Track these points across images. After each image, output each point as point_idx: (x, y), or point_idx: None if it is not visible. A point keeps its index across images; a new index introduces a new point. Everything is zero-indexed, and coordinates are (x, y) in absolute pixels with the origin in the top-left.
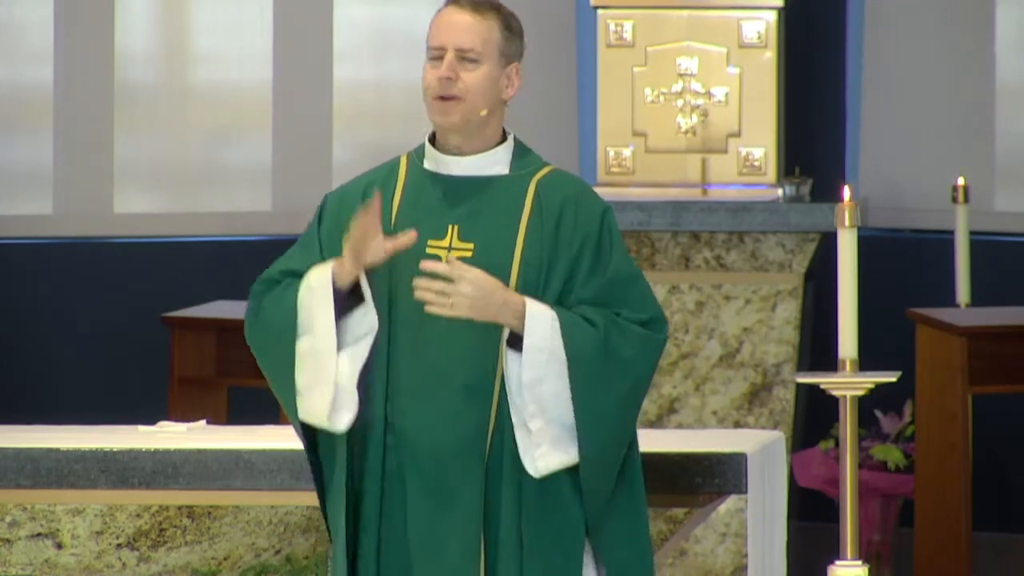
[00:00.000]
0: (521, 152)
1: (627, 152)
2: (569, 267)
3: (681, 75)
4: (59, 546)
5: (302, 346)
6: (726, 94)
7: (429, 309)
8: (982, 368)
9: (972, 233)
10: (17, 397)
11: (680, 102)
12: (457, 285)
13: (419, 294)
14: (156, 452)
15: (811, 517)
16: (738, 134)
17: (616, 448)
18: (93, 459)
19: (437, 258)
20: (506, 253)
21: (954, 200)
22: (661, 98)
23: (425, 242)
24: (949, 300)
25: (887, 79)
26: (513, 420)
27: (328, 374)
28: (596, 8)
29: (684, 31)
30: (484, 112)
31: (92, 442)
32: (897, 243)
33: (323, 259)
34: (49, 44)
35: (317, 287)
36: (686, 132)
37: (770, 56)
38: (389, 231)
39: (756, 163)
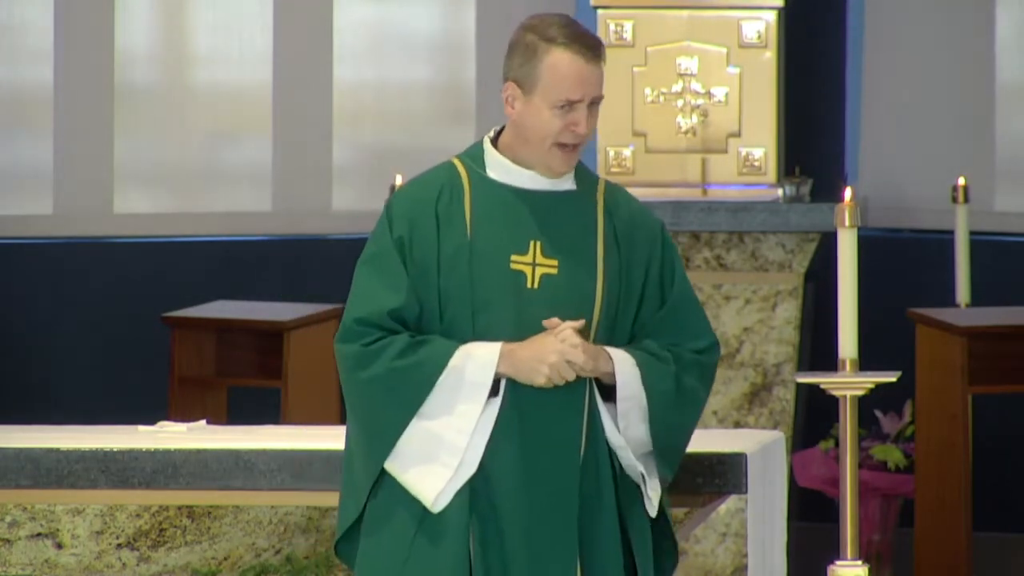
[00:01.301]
0: (580, 165)
1: (627, 152)
2: (641, 289)
3: (681, 75)
4: (59, 546)
5: (428, 424)
6: (726, 94)
7: (558, 381)
8: (982, 368)
9: (972, 233)
10: (17, 397)
11: (680, 102)
12: (560, 340)
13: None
14: (156, 452)
15: (811, 517)
16: (738, 134)
17: (676, 471)
18: (93, 459)
19: (522, 274)
20: (590, 271)
21: (954, 200)
22: (661, 98)
23: (508, 256)
24: (949, 300)
25: (887, 79)
26: (624, 468)
27: (451, 462)
28: (596, 8)
29: (684, 31)
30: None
31: (92, 442)
32: (897, 243)
33: (407, 272)
34: (49, 44)
35: (469, 385)
36: (686, 132)
37: (770, 56)
38: (465, 242)
39: (756, 163)
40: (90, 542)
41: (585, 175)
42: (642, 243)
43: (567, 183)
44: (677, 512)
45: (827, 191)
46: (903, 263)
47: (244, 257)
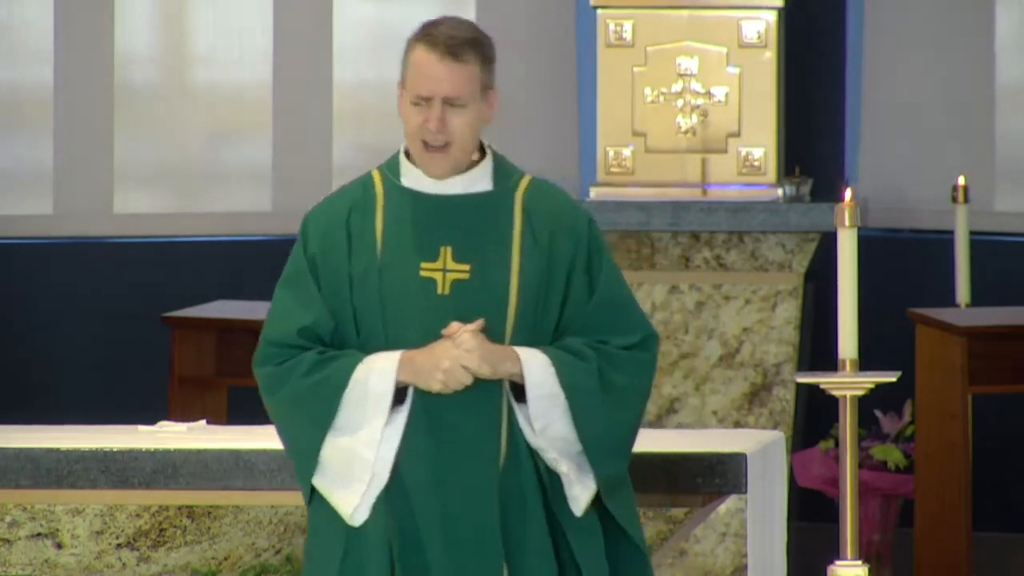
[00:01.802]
0: (500, 164)
1: (627, 152)
2: (564, 287)
3: (681, 75)
4: (59, 546)
5: (341, 440)
6: (726, 94)
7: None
8: (982, 368)
9: (972, 233)
10: (17, 397)
11: (680, 102)
12: (456, 345)
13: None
14: (156, 452)
15: (811, 517)
16: (738, 134)
17: (625, 467)
18: (93, 459)
19: (432, 281)
20: (503, 273)
21: (954, 200)
22: (661, 98)
23: (418, 265)
24: (949, 300)
25: (887, 79)
26: (552, 466)
27: (363, 476)
28: (596, 8)
29: (684, 31)
30: (475, 155)
31: (92, 442)
32: (897, 243)
33: (319, 290)
34: (49, 44)
35: (376, 402)
36: (686, 132)
37: (770, 56)
38: (375, 256)
39: (756, 163)
40: (90, 542)
41: (506, 175)
42: (565, 240)
43: (481, 184)
44: (677, 512)
45: (827, 191)
46: (903, 263)
47: (244, 257)
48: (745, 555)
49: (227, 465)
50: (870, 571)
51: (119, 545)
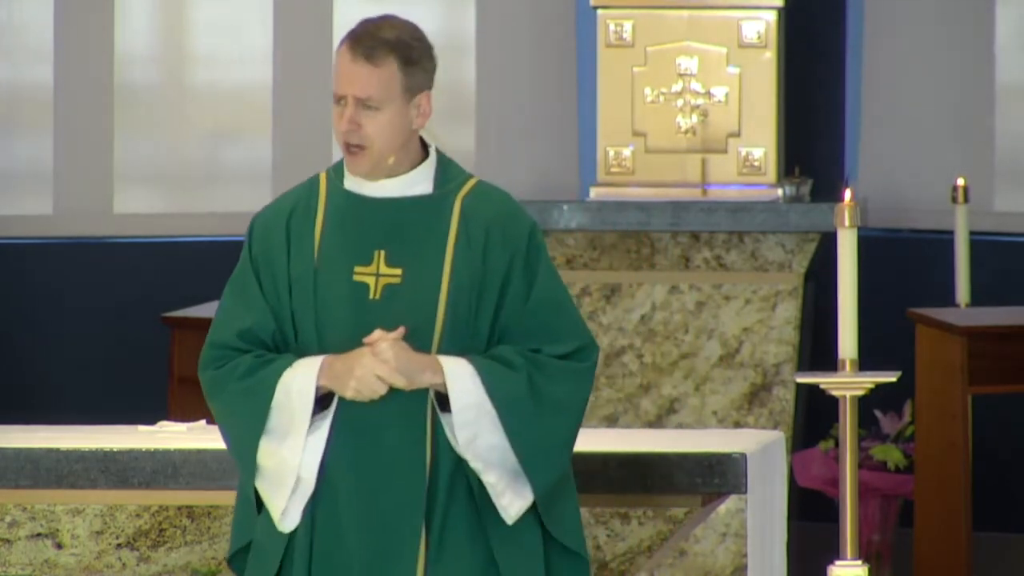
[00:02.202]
0: (445, 167)
1: (627, 152)
2: (499, 293)
3: (681, 75)
4: (59, 546)
5: (273, 445)
6: (726, 94)
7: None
8: (982, 368)
9: (972, 233)
10: (17, 396)
11: (680, 102)
12: (373, 353)
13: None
14: (156, 452)
15: (811, 517)
16: (738, 134)
17: (564, 478)
18: (93, 459)
19: (364, 285)
20: (435, 278)
21: (954, 200)
22: (661, 98)
23: (351, 269)
24: (949, 300)
25: (887, 79)
26: (476, 473)
27: (289, 482)
28: (596, 8)
29: (684, 31)
30: (392, 159)
31: (92, 442)
32: (897, 243)
33: (261, 291)
34: (49, 44)
35: (299, 407)
36: (686, 132)
37: (770, 56)
38: (311, 259)
39: (756, 163)
40: (90, 542)
41: (449, 178)
42: (503, 246)
43: (421, 187)
44: (677, 512)
45: (827, 191)
46: (903, 263)
47: None
48: (745, 555)
49: (227, 465)
50: (870, 571)
51: (119, 545)
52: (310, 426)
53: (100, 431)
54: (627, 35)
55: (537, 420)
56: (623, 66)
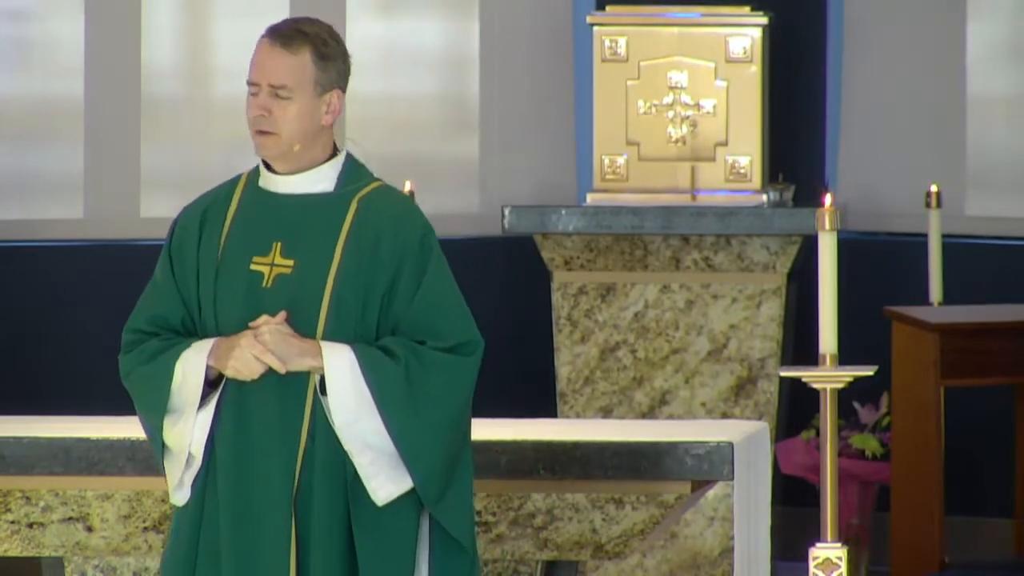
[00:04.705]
0: (351, 169)
1: (621, 160)
2: (388, 288)
3: (672, 88)
4: (89, 529)
5: (171, 424)
6: (714, 106)
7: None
8: (953, 362)
9: (944, 236)
10: (50, 391)
11: (671, 113)
12: (254, 335)
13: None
14: None
15: (794, 502)
16: (725, 143)
17: (447, 466)
18: (121, 448)
19: (259, 274)
20: (322, 270)
21: (927, 205)
22: (653, 109)
23: (250, 258)
24: (923, 299)
25: (865, 91)
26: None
27: (181, 458)
28: (592, 25)
29: (675, 47)
30: (297, 147)
31: (120, 432)
32: (874, 245)
33: (174, 280)
34: (80, 59)
35: (191, 385)
36: (676, 141)
37: (755, 70)
38: (216, 250)
39: (742, 170)
40: (118, 525)
41: (354, 179)
42: (393, 244)
43: (323, 185)
44: (667, 498)
45: (808, 197)
46: (880, 264)
47: None
48: (731, 538)
49: None
50: (849, 553)
51: (145, 528)
52: (201, 404)
53: (127, 422)
54: (621, 50)
55: (412, 408)
56: (618, 79)
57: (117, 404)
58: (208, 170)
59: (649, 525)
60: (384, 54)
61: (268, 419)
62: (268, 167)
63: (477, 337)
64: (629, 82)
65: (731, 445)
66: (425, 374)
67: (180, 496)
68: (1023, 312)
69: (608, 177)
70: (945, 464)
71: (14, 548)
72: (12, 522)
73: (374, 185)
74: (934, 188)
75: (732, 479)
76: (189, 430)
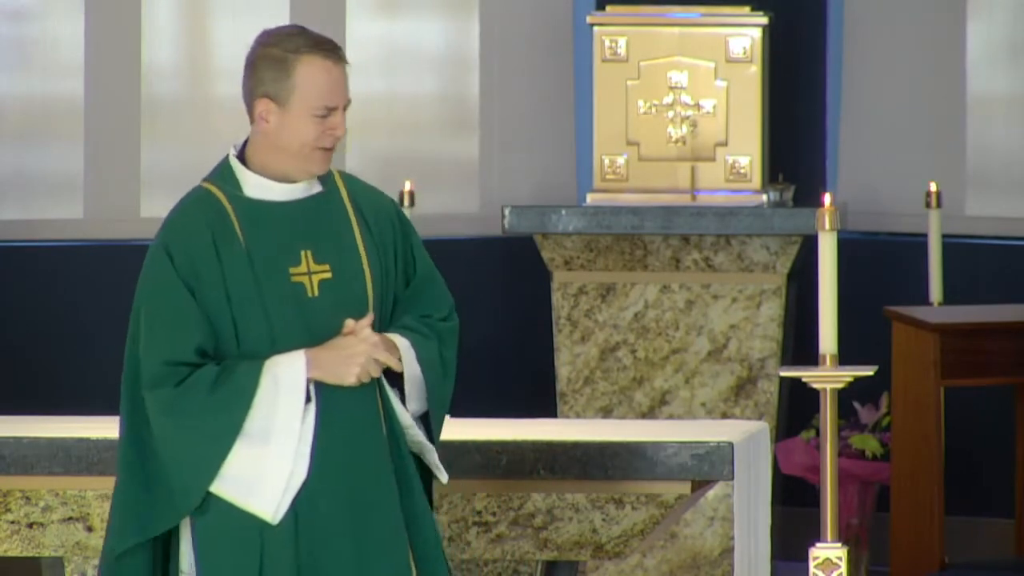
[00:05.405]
0: None
1: (621, 160)
2: (392, 266)
3: (672, 88)
4: (89, 529)
5: (251, 445)
6: (714, 106)
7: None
8: (953, 362)
9: (944, 236)
10: (51, 391)
11: (671, 113)
12: (361, 340)
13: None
14: None
15: (794, 502)
16: (725, 143)
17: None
18: None
19: (301, 285)
20: (357, 266)
21: (927, 205)
22: (653, 109)
23: (287, 271)
24: (923, 299)
25: (864, 92)
26: (416, 443)
27: (282, 474)
28: (592, 25)
29: (675, 47)
30: None
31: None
32: (874, 245)
33: (199, 309)
34: (80, 59)
35: (288, 402)
36: (676, 141)
37: (755, 70)
38: (247, 267)
39: (742, 170)
40: None
41: (325, 174)
42: (385, 224)
43: (317, 186)
44: (667, 498)
45: (808, 197)
46: (879, 264)
47: None
48: (732, 538)
49: None
50: (849, 553)
51: None
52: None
53: None
54: (621, 51)
55: (443, 386)
56: (618, 80)
57: (117, 404)
58: (208, 170)
59: (649, 525)
60: (384, 54)
61: (355, 421)
62: (254, 174)
63: (453, 300)
64: (629, 82)
65: (731, 445)
66: (447, 351)
67: (280, 515)
68: (1023, 312)
69: (608, 177)
70: (945, 464)
71: (14, 548)
72: (12, 522)
73: (337, 174)
74: (934, 188)
75: (732, 479)
76: (290, 444)
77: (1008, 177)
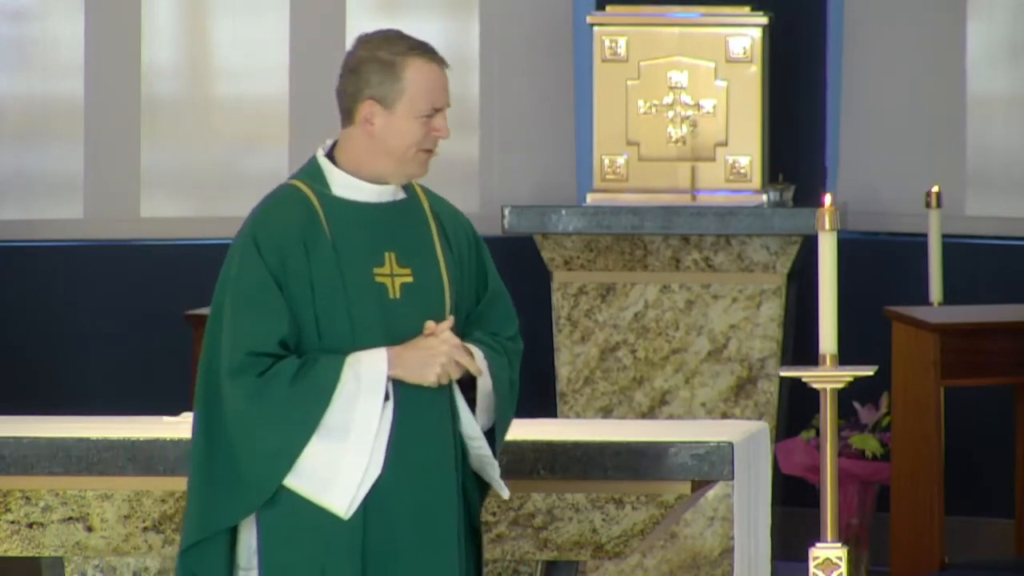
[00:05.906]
0: None
1: (621, 160)
2: (466, 281)
3: (672, 88)
4: (89, 529)
5: (330, 440)
6: (714, 106)
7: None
8: (953, 362)
9: (944, 236)
10: (50, 391)
11: (671, 113)
12: (443, 340)
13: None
14: (179, 441)
15: (794, 502)
16: (725, 143)
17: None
18: (121, 448)
19: (384, 286)
20: (437, 273)
21: (927, 205)
22: (653, 109)
23: (371, 271)
24: (923, 299)
25: (865, 91)
26: (480, 457)
27: (358, 469)
28: (592, 25)
29: (675, 47)
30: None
31: (120, 432)
32: (874, 245)
33: (285, 302)
34: (80, 59)
35: (366, 392)
36: (676, 141)
37: (755, 70)
38: (334, 263)
39: (742, 170)
40: (118, 525)
41: (407, 183)
42: (462, 240)
43: (401, 193)
44: (667, 498)
45: (808, 197)
46: (880, 264)
47: None
48: (732, 538)
49: None
50: (849, 553)
51: (145, 528)
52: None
53: (127, 422)
54: (621, 51)
55: (510, 403)
56: (618, 80)
57: (117, 404)
58: (208, 170)
59: (649, 525)
60: None
61: (426, 422)
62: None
63: (518, 320)
64: (629, 82)
65: (731, 445)
66: (513, 370)
67: (353, 510)
68: (1023, 312)
69: (608, 177)
70: (945, 464)
71: (14, 548)
72: (12, 522)
73: (417, 186)
74: (934, 188)
75: (732, 479)
76: (368, 440)
77: (1008, 177)
